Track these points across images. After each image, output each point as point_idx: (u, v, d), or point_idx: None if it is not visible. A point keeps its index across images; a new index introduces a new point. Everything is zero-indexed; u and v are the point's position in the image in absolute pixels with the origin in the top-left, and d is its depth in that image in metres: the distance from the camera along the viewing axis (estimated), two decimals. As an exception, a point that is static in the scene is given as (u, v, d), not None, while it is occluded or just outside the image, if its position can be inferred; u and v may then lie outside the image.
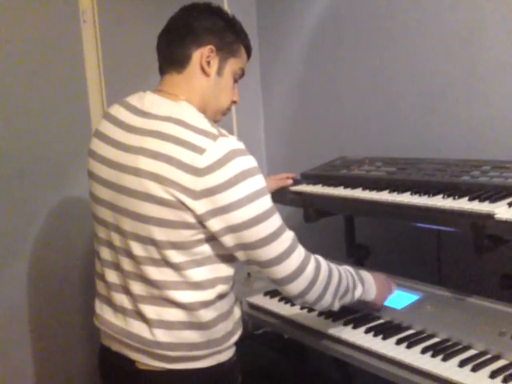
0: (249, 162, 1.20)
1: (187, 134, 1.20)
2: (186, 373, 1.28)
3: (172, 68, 1.34)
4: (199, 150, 1.16)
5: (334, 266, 1.38)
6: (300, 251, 1.28)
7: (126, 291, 1.29)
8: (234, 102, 1.43)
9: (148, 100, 1.30)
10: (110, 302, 1.34)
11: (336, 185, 1.86)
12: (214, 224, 1.19)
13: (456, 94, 1.97)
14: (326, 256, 2.03)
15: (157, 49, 1.37)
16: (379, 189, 1.71)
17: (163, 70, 1.36)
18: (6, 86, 1.99)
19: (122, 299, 1.31)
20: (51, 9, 2.07)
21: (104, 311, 1.36)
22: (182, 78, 1.33)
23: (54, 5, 2.08)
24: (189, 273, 1.23)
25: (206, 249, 1.23)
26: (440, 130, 2.03)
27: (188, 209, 1.17)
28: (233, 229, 1.19)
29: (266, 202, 1.22)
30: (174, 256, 1.22)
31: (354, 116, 2.36)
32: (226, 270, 1.28)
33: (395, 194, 1.65)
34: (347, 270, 1.43)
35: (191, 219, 1.19)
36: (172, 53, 1.33)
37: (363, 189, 1.75)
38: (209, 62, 1.32)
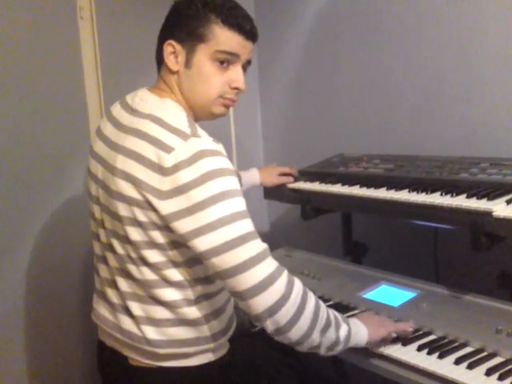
0: (218, 162, 1.15)
1: (160, 132, 1.18)
2: (177, 371, 1.27)
3: (158, 68, 1.35)
4: (168, 149, 1.14)
5: (311, 293, 1.23)
6: (271, 263, 1.16)
7: (115, 286, 1.30)
8: (236, 89, 1.31)
9: (139, 96, 1.30)
10: (104, 297, 1.35)
11: (334, 182, 1.85)
12: (179, 227, 1.14)
13: (454, 91, 1.97)
14: (324, 253, 2.05)
15: None
16: (377, 186, 1.71)
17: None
18: (2, 83, 1.97)
19: (112, 294, 1.31)
20: (48, 5, 2.06)
21: (99, 306, 1.37)
22: (161, 78, 1.33)
23: (51, 1, 2.06)
24: (166, 273, 1.22)
25: (180, 251, 1.21)
26: (438, 128, 2.03)
27: (153, 209, 1.15)
28: (197, 232, 1.13)
29: (235, 205, 1.14)
30: (151, 256, 1.21)
31: (352, 113, 2.35)
32: (205, 271, 1.23)
33: (393, 191, 1.64)
34: (329, 308, 1.28)
35: (157, 220, 1.17)
36: (156, 54, 1.34)
37: (361, 186, 1.75)
38: (176, 58, 1.27)
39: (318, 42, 2.44)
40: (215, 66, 1.27)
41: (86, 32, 2.15)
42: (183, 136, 1.16)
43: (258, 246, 1.16)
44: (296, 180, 2.00)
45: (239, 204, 1.15)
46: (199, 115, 1.34)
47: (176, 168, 1.12)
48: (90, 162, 1.36)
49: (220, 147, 1.19)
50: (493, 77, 1.85)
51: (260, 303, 1.13)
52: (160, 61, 1.32)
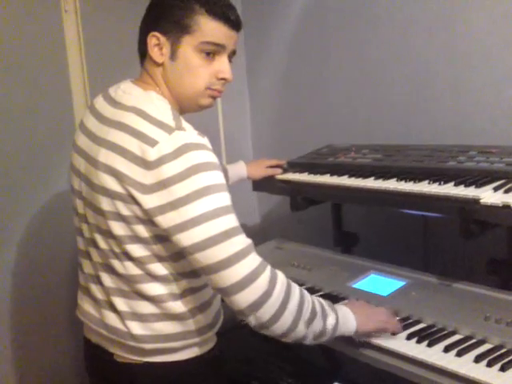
0: (203, 156, 1.13)
1: (144, 125, 1.16)
2: (163, 366, 1.26)
3: (141, 60, 1.32)
4: (151, 142, 1.12)
5: (296, 286, 1.22)
6: (254, 259, 1.15)
7: (99, 282, 1.29)
8: (223, 79, 1.29)
9: (122, 89, 1.27)
10: (88, 293, 1.34)
11: (323, 173, 1.85)
12: (163, 221, 1.12)
13: (441, 80, 1.96)
14: (315, 244, 2.05)
15: None
16: (365, 176, 1.71)
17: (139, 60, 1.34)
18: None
19: (96, 290, 1.30)
20: (32, -1, 2.05)
21: (84, 302, 1.36)
22: (145, 70, 1.30)
23: (35, -6, 2.05)
24: (151, 267, 1.21)
25: (165, 245, 1.19)
26: (426, 117, 2.03)
27: (137, 203, 1.14)
28: (181, 227, 1.11)
29: (219, 200, 1.12)
30: (135, 250, 1.19)
31: (341, 104, 2.35)
32: (190, 265, 1.20)
33: (381, 180, 1.64)
34: (316, 298, 1.27)
35: (141, 214, 1.15)
36: (138, 45, 1.31)
37: (350, 176, 1.75)
38: (161, 49, 1.24)
39: (307, 32, 2.43)
40: (201, 58, 1.25)
41: (70, 25, 2.14)
42: (167, 129, 1.14)
43: (242, 241, 1.15)
44: (285, 171, 1.99)
45: (223, 199, 1.14)
46: (185, 107, 1.32)
47: (160, 162, 1.11)
48: (72, 157, 1.34)
49: (205, 141, 1.17)
50: (480, 67, 1.85)
51: (243, 299, 1.13)
52: (143, 53, 1.29)
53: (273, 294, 1.15)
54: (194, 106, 1.31)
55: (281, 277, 1.19)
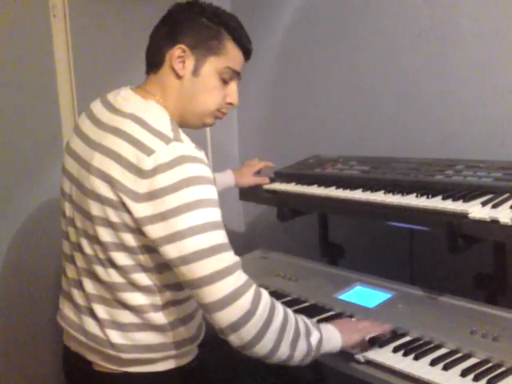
0: (198, 169, 1.13)
1: (142, 133, 1.15)
2: (142, 376, 1.24)
3: (150, 69, 1.31)
4: (148, 151, 1.12)
5: (281, 305, 1.21)
6: (239, 278, 1.13)
7: (81, 287, 1.27)
8: (230, 104, 1.34)
9: (121, 96, 1.27)
10: (69, 298, 1.32)
11: (310, 183, 1.85)
12: (152, 231, 1.12)
13: (430, 93, 1.98)
14: (300, 255, 2.05)
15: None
16: (353, 187, 1.71)
17: (146, 70, 1.33)
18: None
19: (77, 295, 1.29)
20: (20, 2, 2.03)
21: (65, 306, 1.35)
22: (157, 79, 1.29)
23: (24, -1, 2.03)
24: (134, 276, 1.19)
25: (151, 255, 1.18)
26: (414, 130, 2.04)
27: (127, 211, 1.13)
28: (168, 238, 1.10)
29: (210, 215, 1.12)
30: (120, 258, 1.18)
31: (328, 115, 2.35)
32: (175, 278, 1.18)
33: (368, 192, 1.65)
34: (300, 317, 1.25)
35: (130, 222, 1.14)
36: (149, 53, 1.31)
37: (337, 187, 1.75)
38: (183, 62, 1.26)
39: (295, 43, 2.44)
40: (219, 80, 1.30)
41: (58, 30, 2.12)
42: (165, 139, 1.14)
43: (229, 258, 1.13)
44: (272, 181, 1.99)
45: (213, 214, 1.13)
46: (188, 123, 1.32)
47: (155, 171, 1.10)
48: (65, 159, 1.33)
49: (202, 155, 1.17)
50: (468, 80, 1.87)
51: (223, 318, 1.11)
52: (157, 62, 1.29)
53: (255, 314, 1.13)
54: (198, 123, 1.33)
55: (265, 296, 1.17)
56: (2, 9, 1.99)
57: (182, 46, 1.25)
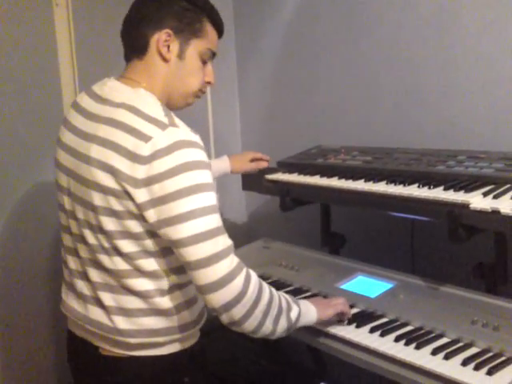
0: (195, 154, 1.16)
1: (137, 120, 1.17)
2: (148, 360, 1.27)
3: (133, 55, 1.31)
4: (145, 138, 1.14)
5: (266, 284, 1.28)
6: (233, 260, 1.18)
7: (85, 278, 1.29)
8: (209, 83, 1.38)
9: (108, 86, 1.28)
10: (72, 289, 1.34)
11: (312, 173, 1.85)
12: (152, 215, 1.15)
13: (432, 83, 1.98)
14: (302, 244, 2.05)
15: (121, 35, 1.34)
16: (355, 178, 1.71)
17: (127, 56, 1.33)
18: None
19: (82, 286, 1.30)
20: (23, -8, 2.02)
21: (68, 297, 1.36)
22: (142, 65, 1.30)
23: (26, -13, 2.03)
24: (140, 262, 1.22)
25: (154, 240, 1.21)
26: (416, 120, 2.04)
27: (130, 198, 1.15)
28: (167, 222, 1.14)
29: (207, 199, 1.15)
30: (124, 246, 1.21)
31: (331, 105, 2.35)
32: (177, 261, 1.21)
33: (371, 183, 1.65)
34: (281, 293, 1.32)
35: (134, 209, 1.17)
36: (132, 39, 1.31)
37: (339, 178, 1.75)
38: (168, 47, 1.28)
39: (297, 33, 2.44)
40: (200, 61, 1.33)
41: (61, 19, 2.12)
42: (161, 125, 1.16)
43: (224, 242, 1.18)
44: (275, 171, 1.99)
45: (211, 198, 1.17)
46: (172, 105, 1.34)
47: (153, 157, 1.12)
48: (58, 154, 1.34)
49: (197, 138, 1.19)
50: (470, 71, 1.87)
51: (217, 299, 1.16)
52: (140, 48, 1.29)
53: (246, 294, 1.19)
54: (182, 104, 1.37)
55: (254, 277, 1.23)
56: (4, -1, 1.99)
57: (169, 31, 1.27)
